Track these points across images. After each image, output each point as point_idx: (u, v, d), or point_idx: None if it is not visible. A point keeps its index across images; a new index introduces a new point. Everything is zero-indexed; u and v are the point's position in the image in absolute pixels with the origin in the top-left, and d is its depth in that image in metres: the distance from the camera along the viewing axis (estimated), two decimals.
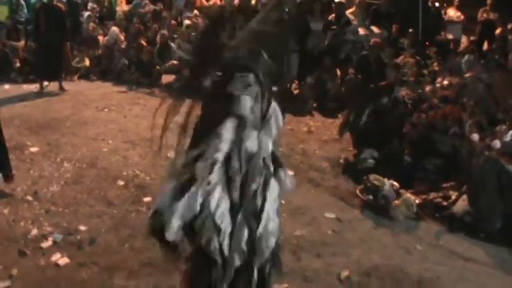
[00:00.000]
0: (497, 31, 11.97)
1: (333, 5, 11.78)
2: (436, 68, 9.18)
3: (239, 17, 3.14)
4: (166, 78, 11.69)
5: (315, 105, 10.08)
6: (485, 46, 11.66)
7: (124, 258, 4.76)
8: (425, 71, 8.63)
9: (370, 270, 4.68)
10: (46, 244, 4.94)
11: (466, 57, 8.31)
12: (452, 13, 13.37)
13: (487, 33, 12.22)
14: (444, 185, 6.12)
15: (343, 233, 5.38)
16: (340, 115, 9.20)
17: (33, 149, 7.18)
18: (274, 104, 2.93)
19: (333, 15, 11.31)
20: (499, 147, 5.84)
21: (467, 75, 7.35)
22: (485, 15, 13.81)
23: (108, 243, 5.00)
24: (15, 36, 13.28)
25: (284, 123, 8.56)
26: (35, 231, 5.13)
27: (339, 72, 10.33)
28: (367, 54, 9.08)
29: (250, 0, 10.32)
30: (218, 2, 15.03)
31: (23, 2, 15.03)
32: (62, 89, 10.75)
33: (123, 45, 12.91)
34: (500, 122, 6.42)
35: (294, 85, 11.02)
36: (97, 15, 15.04)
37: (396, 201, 5.79)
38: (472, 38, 12.12)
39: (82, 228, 5.21)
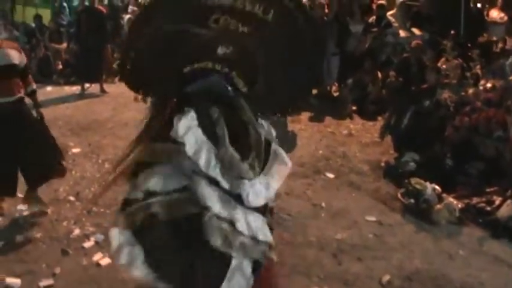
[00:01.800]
0: None
1: (374, 7, 11.68)
2: (479, 71, 9.03)
3: None
4: None
5: (355, 108, 10.02)
6: None
7: None
8: (467, 74, 8.49)
9: (412, 274, 4.62)
10: (88, 244, 5.00)
11: (511, 59, 8.14)
12: (495, 14, 13.13)
13: None
14: (487, 190, 6.00)
15: (384, 236, 5.32)
16: (380, 118, 9.13)
17: (75, 150, 7.28)
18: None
19: (374, 17, 11.22)
20: None
21: (511, 77, 7.20)
22: None
23: None
24: (58, 39, 13.48)
25: (325, 126, 8.57)
26: (77, 231, 5.19)
27: (379, 74, 10.23)
28: (408, 57, 8.97)
29: None
30: None
31: (65, 5, 15.30)
32: (103, 91, 10.92)
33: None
34: None
35: (334, 88, 10.98)
36: None
37: (438, 206, 5.71)
38: None
39: None
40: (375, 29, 10.89)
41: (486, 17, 12.52)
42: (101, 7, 12.05)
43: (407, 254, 4.99)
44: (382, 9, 11.26)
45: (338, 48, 10.61)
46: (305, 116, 9.69)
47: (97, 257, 4.78)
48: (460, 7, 11.50)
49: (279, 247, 5.02)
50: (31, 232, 5.21)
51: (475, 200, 5.88)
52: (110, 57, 11.96)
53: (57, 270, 4.58)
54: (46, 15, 14.65)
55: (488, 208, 5.69)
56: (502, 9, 13.39)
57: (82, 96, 10.73)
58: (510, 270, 4.77)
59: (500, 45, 10.90)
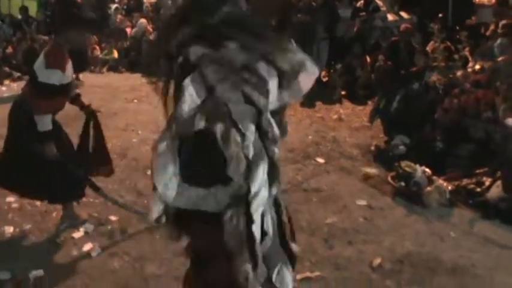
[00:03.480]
0: None
1: None
2: (467, 53, 9.01)
3: None
4: None
5: (344, 92, 10.01)
6: None
7: (155, 248, 4.76)
8: (456, 56, 8.47)
9: (403, 257, 4.61)
10: (78, 234, 4.97)
11: (499, 40, 8.12)
12: None
13: None
14: (477, 171, 5.99)
15: (375, 220, 5.31)
16: (370, 102, 9.13)
17: None
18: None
19: (362, 1, 11.20)
20: None
21: (500, 59, 7.18)
22: None
23: (139, 233, 5.01)
24: (45, 31, 13.40)
25: (314, 111, 8.58)
26: (66, 222, 5.15)
27: (368, 59, 10.21)
28: (397, 40, 8.94)
29: None
30: None
31: None
32: (77, 78, 10.55)
33: (151, 37, 12.95)
34: None
35: (323, 73, 10.95)
36: (124, 7, 15.15)
37: (428, 188, 5.70)
38: (503, 22, 11.85)
39: (113, 218, 5.23)
40: (363, 13, 10.87)
41: (474, 0, 12.47)
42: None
43: (399, 237, 4.98)
44: None
45: (327, 33, 10.58)
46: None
47: (87, 247, 4.75)
48: None
49: None
50: (20, 224, 5.17)
51: (465, 181, 5.87)
52: (91, 46, 11.86)
53: (47, 260, 4.55)
54: (32, 7, 14.52)
55: (478, 189, 5.68)
56: None
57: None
58: (501, 251, 4.76)
59: (491, 27, 10.89)
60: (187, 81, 2.12)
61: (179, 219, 2.28)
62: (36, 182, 4.78)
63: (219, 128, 2.07)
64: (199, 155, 2.16)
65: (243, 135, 2.10)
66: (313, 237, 4.93)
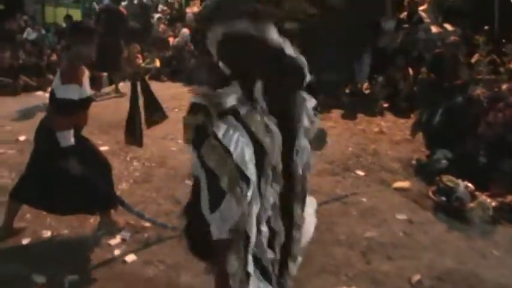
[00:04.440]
0: None
1: (405, 2, 11.51)
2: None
3: None
4: None
5: (386, 105, 9.88)
6: None
7: (191, 258, 4.73)
8: (501, 69, 8.29)
9: (443, 274, 4.49)
10: (114, 241, 4.99)
11: None
12: None
13: None
14: None
15: (415, 235, 5.19)
16: (412, 115, 8.99)
17: (103, 148, 7.26)
18: None
19: (405, 13, 11.06)
20: None
21: None
22: None
23: (175, 243, 4.99)
24: None
25: (355, 124, 8.49)
26: (103, 229, 5.17)
27: (411, 71, 10.06)
28: (441, 52, 8.78)
29: None
30: None
31: (96, 6, 15.42)
32: (117, 91, 10.76)
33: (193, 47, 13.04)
34: None
35: (365, 85, 10.83)
36: (167, 17, 15.29)
37: (471, 204, 5.55)
38: None
39: (149, 226, 5.23)
40: (406, 25, 10.74)
41: None
42: (121, 8, 12.00)
43: (439, 253, 4.86)
44: (414, 4, 11.10)
45: (369, 45, 10.46)
46: (336, 113, 9.60)
47: (123, 254, 4.77)
48: (494, 2, 11.25)
49: (307, 246, 4.96)
50: (57, 228, 5.21)
51: (509, 198, 5.70)
52: (131, 56, 11.96)
53: (83, 266, 4.58)
54: (77, 15, 14.79)
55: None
56: None
57: (111, 94, 10.76)
58: None
59: None
60: None
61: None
62: (66, 198, 4.80)
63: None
64: None
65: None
66: (351, 251, 4.84)
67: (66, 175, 4.64)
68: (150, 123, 5.57)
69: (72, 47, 4.67)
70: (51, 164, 4.69)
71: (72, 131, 4.58)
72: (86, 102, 4.75)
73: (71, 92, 4.51)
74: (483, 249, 4.94)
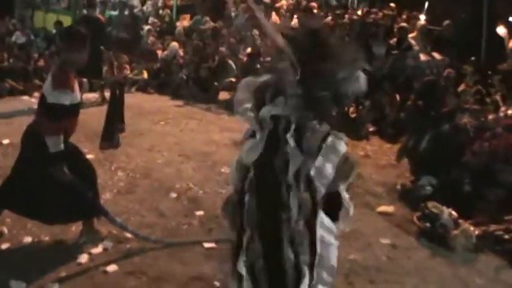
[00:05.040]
0: None
1: (395, 29, 11.65)
2: (498, 98, 8.92)
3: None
4: (223, 95, 11.77)
5: (372, 129, 9.92)
6: None
7: (173, 270, 4.71)
8: (488, 100, 8.38)
9: None
10: (96, 250, 4.94)
11: None
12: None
13: None
14: (506, 218, 5.85)
15: (399, 260, 5.19)
16: (398, 140, 9.03)
17: (88, 156, 7.19)
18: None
19: (395, 39, 11.18)
20: None
21: None
22: None
23: (158, 255, 4.95)
24: None
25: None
26: (85, 237, 5.11)
27: (398, 97, 10.13)
28: (431, 80, 8.83)
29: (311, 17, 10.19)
30: (277, 22, 15.08)
31: (85, 12, 15.36)
32: (103, 99, 10.40)
33: (182, 61, 13.02)
34: None
35: (351, 108, 10.87)
36: (157, 29, 15.28)
37: (455, 231, 5.56)
38: None
39: (132, 237, 5.17)
40: (395, 51, 10.84)
41: (507, 46, 12.41)
42: (100, 16, 11.93)
43: (422, 279, 4.86)
44: (404, 31, 11.21)
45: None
46: None
47: (104, 264, 4.71)
48: (482, 33, 11.42)
49: None
50: (39, 235, 5.14)
51: (493, 227, 5.72)
52: (108, 62, 11.90)
53: (63, 274, 4.52)
54: (67, 22, 14.71)
55: (507, 236, 5.54)
56: None
57: (98, 103, 10.67)
58: None
59: None
60: None
61: None
62: (51, 205, 4.72)
63: None
64: None
65: None
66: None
67: (53, 181, 4.58)
68: (107, 136, 5.52)
69: (64, 53, 4.61)
70: (38, 169, 4.63)
71: (61, 137, 4.53)
72: (76, 108, 4.71)
73: (63, 97, 4.46)
74: (466, 277, 4.96)
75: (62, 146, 4.54)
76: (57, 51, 4.68)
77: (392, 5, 13.92)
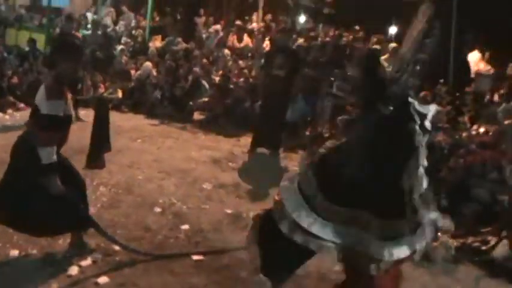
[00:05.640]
0: None
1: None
2: (466, 119, 9.19)
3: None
4: (198, 115, 11.89)
5: None
6: None
7: (164, 281, 4.76)
8: (460, 119, 8.65)
9: None
10: (85, 263, 4.94)
11: (504, 105, 8.34)
12: (482, 66, 13.46)
13: None
14: (482, 230, 6.05)
15: None
16: None
17: None
18: None
19: None
20: None
21: (506, 122, 7.35)
22: None
23: (147, 267, 4.99)
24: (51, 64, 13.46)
25: None
26: (74, 250, 5.11)
27: None
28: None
29: (287, 38, 10.37)
30: (250, 44, 15.30)
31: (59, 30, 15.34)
32: (78, 119, 10.38)
33: (155, 80, 13.10)
34: None
35: (325, 128, 11.05)
36: (130, 49, 15.34)
37: (434, 244, 5.72)
38: (501, 91, 12.14)
39: (121, 249, 5.20)
40: None
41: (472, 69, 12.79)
42: (76, 33, 11.97)
43: (407, 287, 4.99)
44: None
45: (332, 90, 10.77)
46: (298, 153, 9.76)
47: (95, 275, 4.73)
48: (450, 56, 11.76)
49: None
50: (26, 248, 5.13)
51: (470, 239, 5.92)
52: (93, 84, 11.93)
53: (54, 286, 4.53)
54: (41, 40, 14.67)
55: (484, 247, 5.73)
56: (489, 62, 13.74)
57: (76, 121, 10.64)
58: None
59: (488, 97, 11.18)
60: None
61: None
62: (41, 217, 4.72)
63: None
64: None
65: None
66: (322, 283, 4.94)
67: (44, 193, 4.60)
68: (93, 156, 5.58)
69: (58, 64, 4.67)
70: (29, 181, 4.64)
71: (54, 148, 4.57)
72: (69, 120, 4.76)
73: (57, 108, 4.51)
74: (447, 287, 5.11)
75: (55, 157, 4.58)
76: (51, 62, 4.70)
77: (357, 27, 14.29)
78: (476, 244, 5.83)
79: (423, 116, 3.58)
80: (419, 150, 3.57)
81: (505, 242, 5.64)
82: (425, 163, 3.64)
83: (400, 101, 3.64)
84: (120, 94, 12.60)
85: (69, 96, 4.81)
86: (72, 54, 4.71)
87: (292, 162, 9.17)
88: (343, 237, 3.63)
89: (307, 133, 10.75)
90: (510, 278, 5.34)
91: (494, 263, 5.53)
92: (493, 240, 5.78)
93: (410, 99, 3.64)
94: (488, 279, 5.38)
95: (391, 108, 3.64)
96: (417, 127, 3.56)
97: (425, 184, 3.64)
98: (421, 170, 3.57)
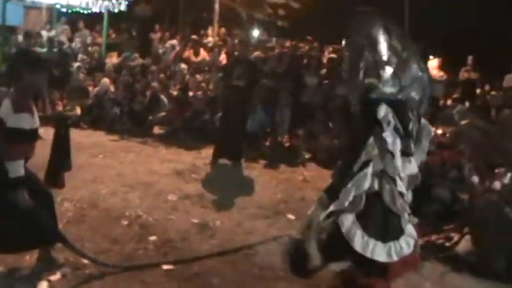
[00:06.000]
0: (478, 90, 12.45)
1: (325, 60, 12.15)
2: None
3: None
4: (157, 130, 11.90)
5: (307, 156, 10.22)
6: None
7: None
8: None
9: None
10: (55, 277, 4.88)
11: (459, 107, 8.58)
12: (435, 72, 13.83)
13: (468, 92, 12.69)
14: (445, 227, 6.20)
15: None
16: (334, 166, 9.37)
17: None
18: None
19: (325, 69, 11.64)
20: (499, 189, 6.00)
21: (463, 122, 7.57)
22: (466, 74, 14.34)
23: (117, 278, 4.97)
24: (7, 83, 13.24)
25: (279, 173, 8.70)
26: (42, 265, 5.04)
27: (331, 125, 10.53)
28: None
29: (246, 49, 10.46)
30: (206, 57, 15.37)
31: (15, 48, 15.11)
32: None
33: (113, 96, 13.04)
34: (498, 166, 6.59)
35: (286, 137, 11.17)
36: (86, 66, 15.25)
37: None
38: (454, 96, 12.50)
39: (90, 264, 5.16)
40: (326, 81, 11.27)
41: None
42: (35, 50, 11.86)
43: None
44: (333, 62, 11.70)
45: (291, 99, 10.92)
46: (259, 163, 9.83)
47: None
48: None
49: (249, 281, 5.07)
50: None
51: (434, 237, 6.06)
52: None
53: None
54: None
55: (448, 244, 5.87)
56: (441, 67, 14.14)
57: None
58: None
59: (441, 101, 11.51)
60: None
61: None
62: (10, 232, 4.62)
63: None
64: None
65: None
66: (293, 285, 4.98)
67: (13, 208, 4.54)
68: (52, 175, 5.52)
69: (23, 77, 4.62)
70: None
71: (22, 162, 4.53)
72: (35, 133, 4.72)
73: (23, 121, 4.47)
74: (416, 283, 5.22)
75: (23, 171, 4.53)
76: (17, 76, 4.61)
77: (309, 37, 14.54)
78: (440, 241, 5.97)
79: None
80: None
81: (467, 237, 5.79)
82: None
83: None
84: (78, 111, 12.52)
85: (35, 109, 4.77)
86: (37, 67, 4.68)
87: (254, 172, 9.25)
88: None
89: (267, 143, 10.87)
90: (473, 271, 5.51)
91: (457, 258, 5.67)
92: (456, 237, 5.93)
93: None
94: (453, 273, 5.51)
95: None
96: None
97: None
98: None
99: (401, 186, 3.92)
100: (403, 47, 4.23)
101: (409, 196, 3.99)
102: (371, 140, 3.76)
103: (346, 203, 3.71)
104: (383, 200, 3.75)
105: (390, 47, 4.18)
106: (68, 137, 6.01)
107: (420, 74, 4.30)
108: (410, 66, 4.27)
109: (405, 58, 4.23)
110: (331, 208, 3.83)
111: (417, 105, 4.24)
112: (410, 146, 4.03)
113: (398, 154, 3.80)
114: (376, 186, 3.73)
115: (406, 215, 3.78)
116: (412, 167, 3.97)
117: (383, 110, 3.87)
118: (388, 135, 3.82)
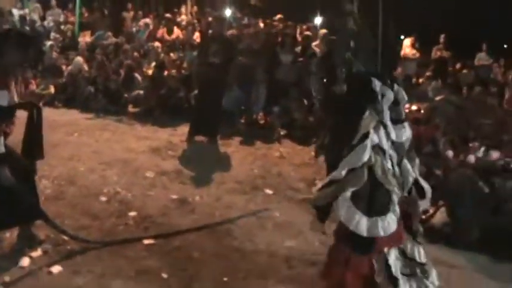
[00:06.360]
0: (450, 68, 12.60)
1: (299, 37, 12.18)
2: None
3: None
4: (132, 108, 11.88)
5: (282, 133, 10.29)
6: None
7: (119, 266, 4.77)
8: None
9: None
10: (36, 254, 4.87)
11: (433, 83, 8.69)
12: (408, 51, 13.98)
13: (440, 70, 12.85)
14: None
15: (330, 243, 5.48)
16: (308, 142, 9.49)
17: None
18: None
19: (300, 47, 11.68)
20: (473, 162, 6.14)
21: (437, 98, 7.69)
22: (438, 53, 14.52)
23: (99, 253, 4.99)
24: None
25: (256, 149, 8.74)
26: (23, 242, 5.03)
27: (305, 102, 10.59)
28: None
29: (222, 26, 10.40)
30: (180, 36, 15.30)
31: None
32: None
33: (87, 75, 12.94)
34: (472, 140, 6.73)
35: (260, 114, 11.20)
36: (59, 45, 15.07)
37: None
38: (427, 74, 12.66)
39: (70, 240, 5.16)
40: (301, 59, 11.32)
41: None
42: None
43: None
44: (308, 39, 11.74)
45: (266, 76, 10.94)
46: (235, 140, 9.87)
47: (47, 265, 4.68)
48: (378, 41, 12.10)
49: (230, 254, 5.13)
50: None
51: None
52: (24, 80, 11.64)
53: (7, 279, 4.44)
54: None
55: (424, 216, 5.99)
56: (414, 46, 14.27)
57: None
58: (450, 270, 5.06)
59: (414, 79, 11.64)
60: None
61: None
62: None
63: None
64: None
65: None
66: (273, 258, 5.09)
67: None
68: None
69: (5, 54, 4.58)
70: None
71: (2, 139, 4.50)
72: (14, 110, 4.69)
73: (1, 98, 4.44)
74: None
75: (3, 148, 4.50)
76: None
77: (279, 16, 14.54)
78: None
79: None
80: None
81: (442, 210, 5.92)
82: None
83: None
84: (52, 90, 12.38)
85: (13, 85, 4.73)
86: (18, 44, 4.63)
87: (230, 148, 9.29)
88: None
89: (242, 121, 10.91)
90: (448, 243, 5.67)
91: (433, 230, 5.80)
92: (431, 209, 6.05)
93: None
94: (429, 245, 5.62)
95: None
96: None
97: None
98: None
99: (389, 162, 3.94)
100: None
101: (408, 166, 4.02)
102: (367, 113, 3.76)
103: (344, 172, 3.70)
104: (374, 174, 3.75)
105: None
106: (41, 126, 5.71)
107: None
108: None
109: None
110: (329, 178, 3.83)
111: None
112: (401, 112, 4.05)
113: (390, 124, 3.83)
114: (372, 159, 3.75)
115: (396, 190, 3.77)
116: (408, 131, 3.98)
117: (377, 83, 3.91)
118: (385, 109, 3.85)
